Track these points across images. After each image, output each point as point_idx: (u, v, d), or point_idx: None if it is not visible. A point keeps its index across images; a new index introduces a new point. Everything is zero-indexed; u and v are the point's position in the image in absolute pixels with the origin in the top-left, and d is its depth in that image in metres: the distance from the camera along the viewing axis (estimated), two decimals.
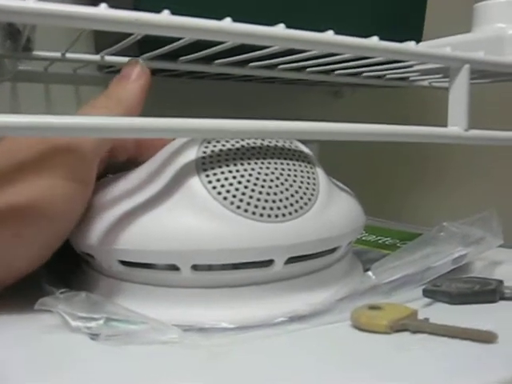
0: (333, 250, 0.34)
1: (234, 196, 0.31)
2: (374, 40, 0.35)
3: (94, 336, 0.29)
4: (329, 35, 0.34)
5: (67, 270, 0.37)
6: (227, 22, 0.31)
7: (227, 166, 0.32)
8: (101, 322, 0.29)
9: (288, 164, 0.34)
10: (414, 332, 0.28)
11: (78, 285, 0.34)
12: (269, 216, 0.31)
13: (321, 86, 0.70)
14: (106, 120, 0.28)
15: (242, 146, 0.33)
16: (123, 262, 0.31)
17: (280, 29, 0.32)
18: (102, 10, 0.28)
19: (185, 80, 0.60)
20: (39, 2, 0.27)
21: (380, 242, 0.45)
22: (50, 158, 0.31)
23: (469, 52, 0.40)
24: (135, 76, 0.35)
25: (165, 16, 0.30)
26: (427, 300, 0.34)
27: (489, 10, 0.48)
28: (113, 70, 0.55)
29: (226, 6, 0.41)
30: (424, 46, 0.49)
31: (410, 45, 0.38)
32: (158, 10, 0.30)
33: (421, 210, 0.84)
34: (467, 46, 0.45)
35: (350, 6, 0.50)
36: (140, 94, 0.35)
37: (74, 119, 0.28)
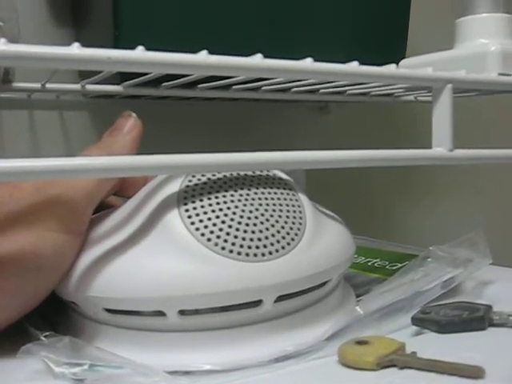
0: (323, 284, 0.33)
1: (218, 237, 0.30)
2: (354, 65, 0.35)
3: (78, 382, 0.28)
4: (307, 63, 0.33)
5: (53, 311, 0.36)
6: (203, 56, 0.31)
7: (210, 204, 0.31)
8: (85, 367, 0.28)
9: (271, 194, 0.33)
10: (402, 368, 0.28)
11: (64, 328, 0.34)
12: (255, 255, 0.30)
13: (307, 102, 0.70)
14: (81, 161, 0.28)
15: (225, 176, 0.33)
16: (108, 310, 0.31)
17: (257, 60, 0.32)
18: (74, 49, 0.28)
19: (169, 102, 0.59)
20: (9, 45, 0.27)
21: (369, 264, 0.45)
22: (40, 210, 0.30)
23: (451, 70, 0.40)
24: (128, 128, 0.35)
25: (138, 53, 0.29)
26: (416, 328, 0.33)
27: (471, 26, 0.47)
28: (97, 95, 0.55)
29: (204, 39, 0.41)
30: (405, 67, 0.49)
31: (391, 68, 0.37)
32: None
33: (408, 225, 0.84)
34: (450, 64, 0.45)
35: (333, 26, 0.50)
36: (132, 147, 0.35)
37: (50, 162, 0.27)
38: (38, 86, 0.47)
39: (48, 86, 0.47)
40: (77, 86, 0.47)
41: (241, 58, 0.31)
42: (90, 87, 0.47)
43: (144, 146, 0.60)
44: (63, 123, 0.59)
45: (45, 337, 0.30)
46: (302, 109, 0.72)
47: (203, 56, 0.31)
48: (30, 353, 0.29)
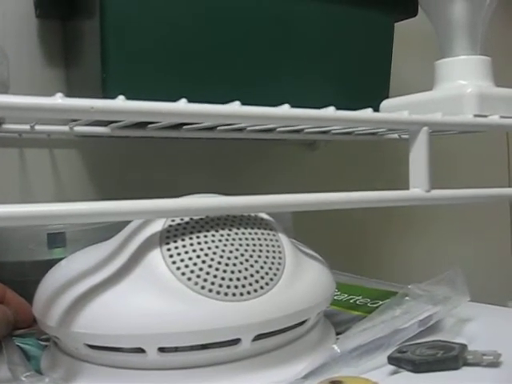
0: (301, 323, 0.34)
1: (198, 276, 0.31)
2: (330, 111, 0.36)
3: None
4: (284, 110, 0.34)
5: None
6: (182, 104, 0.32)
7: (191, 244, 0.32)
8: None
9: (251, 235, 0.34)
10: None
11: (46, 365, 0.34)
12: (233, 295, 0.31)
13: (295, 139, 0.71)
14: (62, 207, 0.29)
15: (207, 217, 0.34)
16: (89, 345, 0.31)
17: (235, 107, 0.33)
18: (58, 100, 0.29)
19: (157, 141, 0.61)
20: None
21: (351, 301, 0.45)
22: None
23: (430, 111, 0.41)
24: None
25: (119, 102, 0.30)
26: (393, 367, 0.34)
27: (449, 67, 0.49)
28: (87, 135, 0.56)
29: (185, 88, 0.42)
30: (386, 108, 0.50)
31: (368, 112, 0.39)
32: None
33: (396, 259, 0.85)
34: (428, 105, 0.47)
35: (316, 68, 0.52)
36: None
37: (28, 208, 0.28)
38: (27, 127, 0.48)
39: (37, 127, 0.48)
40: (65, 128, 0.49)
41: (218, 106, 0.32)
42: (79, 129, 0.49)
43: (133, 181, 0.61)
44: (53, 160, 0.60)
45: (25, 377, 0.31)
46: (289, 146, 0.74)
47: (182, 104, 0.32)
48: None
